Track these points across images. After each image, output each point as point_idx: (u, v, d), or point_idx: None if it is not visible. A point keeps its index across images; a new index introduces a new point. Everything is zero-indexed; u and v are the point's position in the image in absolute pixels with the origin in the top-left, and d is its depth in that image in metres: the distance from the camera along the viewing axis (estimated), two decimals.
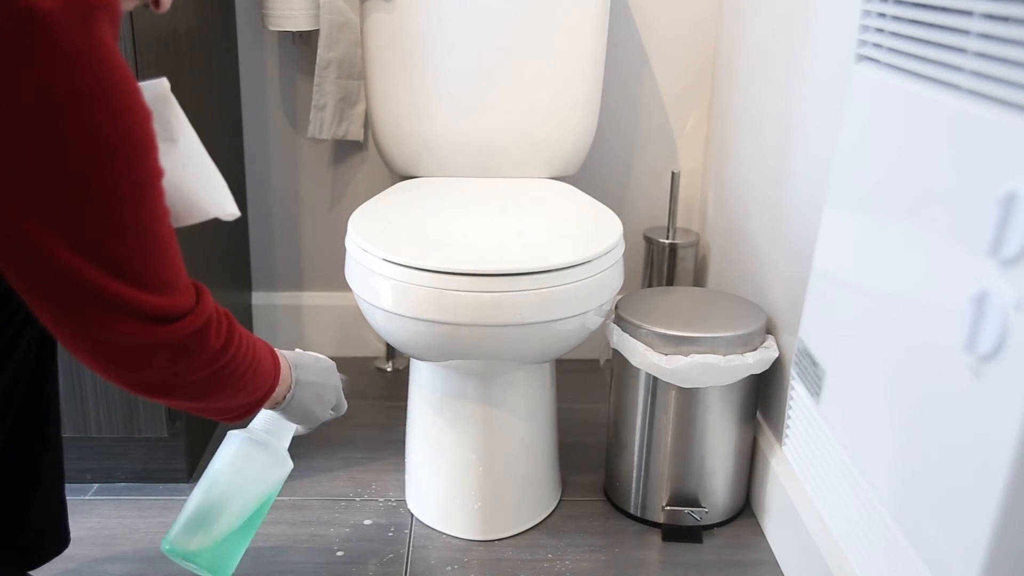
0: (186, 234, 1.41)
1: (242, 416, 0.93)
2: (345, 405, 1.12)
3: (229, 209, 0.92)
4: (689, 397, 1.29)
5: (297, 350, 1.06)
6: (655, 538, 1.35)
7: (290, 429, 1.10)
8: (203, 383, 0.82)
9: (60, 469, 1.06)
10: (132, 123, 0.69)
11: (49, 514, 1.06)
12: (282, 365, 0.98)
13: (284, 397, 0.99)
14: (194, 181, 0.88)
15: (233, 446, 1.07)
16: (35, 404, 1.00)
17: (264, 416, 1.08)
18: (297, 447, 1.55)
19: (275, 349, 0.98)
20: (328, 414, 1.09)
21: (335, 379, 1.09)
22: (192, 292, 0.80)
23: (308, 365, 1.04)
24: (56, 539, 1.08)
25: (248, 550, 1.28)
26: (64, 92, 0.64)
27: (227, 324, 0.83)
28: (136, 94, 0.70)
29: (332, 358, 1.89)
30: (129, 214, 0.71)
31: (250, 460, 1.07)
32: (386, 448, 1.55)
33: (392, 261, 1.14)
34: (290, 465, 1.11)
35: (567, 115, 1.56)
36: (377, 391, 1.77)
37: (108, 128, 0.67)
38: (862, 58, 0.99)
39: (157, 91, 0.85)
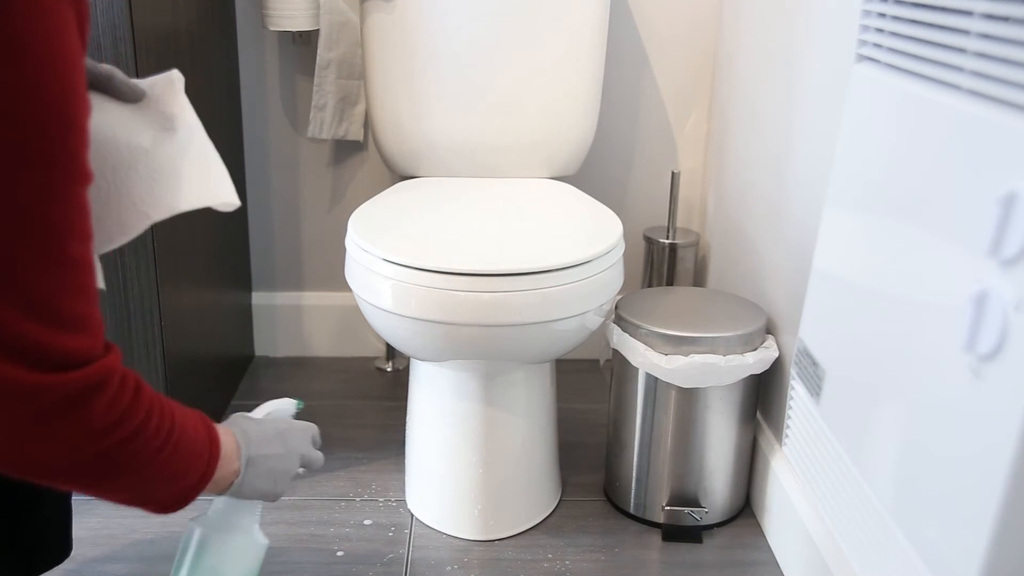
0: (187, 234, 1.42)
1: (168, 510, 0.75)
2: (320, 459, 0.96)
3: (227, 199, 0.87)
4: (689, 397, 1.29)
5: (259, 410, 0.94)
6: (655, 538, 1.35)
7: (255, 506, 0.95)
8: (87, 466, 0.64)
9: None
10: (54, 95, 0.57)
11: (55, 521, 1.05)
12: (225, 444, 0.80)
13: (232, 482, 0.82)
14: (190, 168, 0.85)
15: (190, 545, 0.93)
16: None
17: (218, 498, 0.92)
18: None
19: (217, 426, 0.81)
20: (291, 484, 0.93)
21: (297, 440, 0.92)
22: (99, 343, 0.63)
23: (260, 437, 0.87)
24: (60, 547, 1.07)
25: None
26: None
27: (130, 397, 0.66)
28: (71, 74, 0.59)
29: (332, 358, 1.90)
30: (28, 207, 0.57)
31: (213, 557, 0.93)
32: (386, 448, 1.55)
33: (392, 261, 1.14)
34: (264, 544, 0.97)
35: (567, 115, 1.56)
36: (377, 391, 1.77)
37: (21, 90, 0.55)
38: (862, 58, 0.99)
39: (163, 82, 0.85)
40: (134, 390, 0.67)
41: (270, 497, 0.90)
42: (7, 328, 0.57)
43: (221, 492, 0.83)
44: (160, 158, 0.83)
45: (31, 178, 0.57)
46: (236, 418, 0.89)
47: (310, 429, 0.96)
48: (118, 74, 0.82)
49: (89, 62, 0.76)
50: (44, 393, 0.59)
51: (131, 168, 0.80)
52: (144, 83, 0.85)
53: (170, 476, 0.72)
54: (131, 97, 0.83)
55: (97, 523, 1.33)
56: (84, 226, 0.62)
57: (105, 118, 0.80)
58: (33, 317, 0.58)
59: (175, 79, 0.86)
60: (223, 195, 0.88)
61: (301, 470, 0.93)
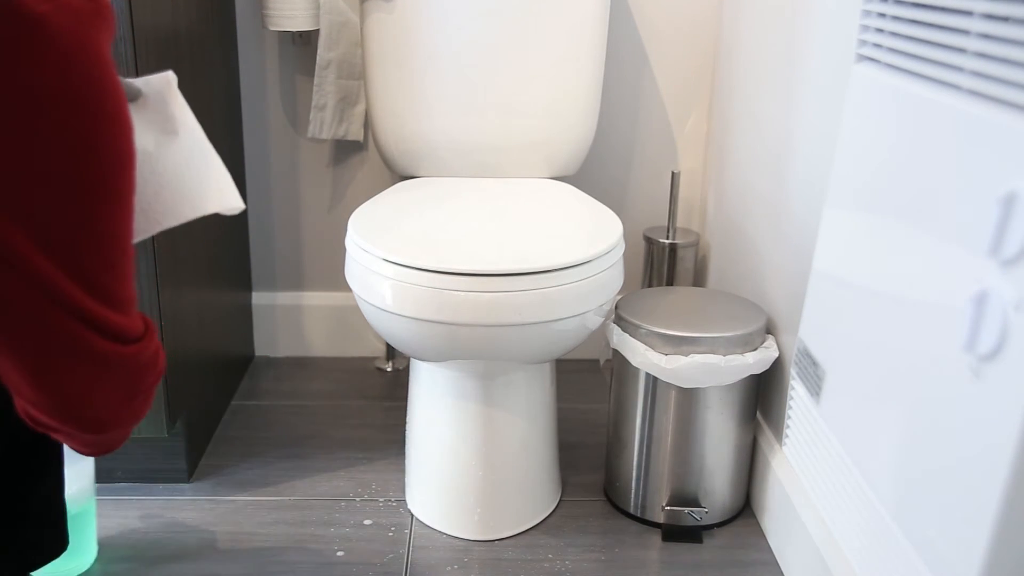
0: (187, 234, 1.41)
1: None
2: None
3: (232, 203, 0.90)
4: (689, 397, 1.29)
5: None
6: (655, 538, 1.35)
7: None
8: (142, 409, 0.80)
9: (63, 470, 1.06)
10: (117, 132, 0.68)
11: (50, 515, 1.05)
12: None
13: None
14: (196, 174, 0.87)
15: None
16: None
17: None
18: (297, 447, 1.56)
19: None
20: None
21: None
22: (140, 315, 0.77)
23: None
24: (55, 541, 1.08)
25: (248, 550, 1.28)
26: (53, 93, 0.63)
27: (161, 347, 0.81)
28: (123, 106, 0.69)
29: (332, 358, 1.90)
30: (105, 224, 0.69)
31: None
32: (386, 448, 1.55)
33: (392, 261, 1.14)
34: None
35: (567, 115, 1.56)
36: (377, 391, 1.77)
37: (94, 133, 0.66)
38: (862, 58, 0.99)
39: (160, 83, 0.85)
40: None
41: None
42: (100, 319, 0.70)
43: None
44: (164, 163, 0.84)
45: (113, 203, 0.69)
46: None
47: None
48: None
49: None
50: (136, 358, 0.75)
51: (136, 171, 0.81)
52: (138, 82, 0.85)
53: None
54: (127, 97, 0.84)
55: (97, 523, 1.33)
56: (132, 225, 0.73)
57: None
58: (105, 302, 0.70)
59: (171, 79, 0.86)
60: (229, 199, 0.89)
61: None
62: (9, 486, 0.99)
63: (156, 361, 0.79)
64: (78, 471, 1.20)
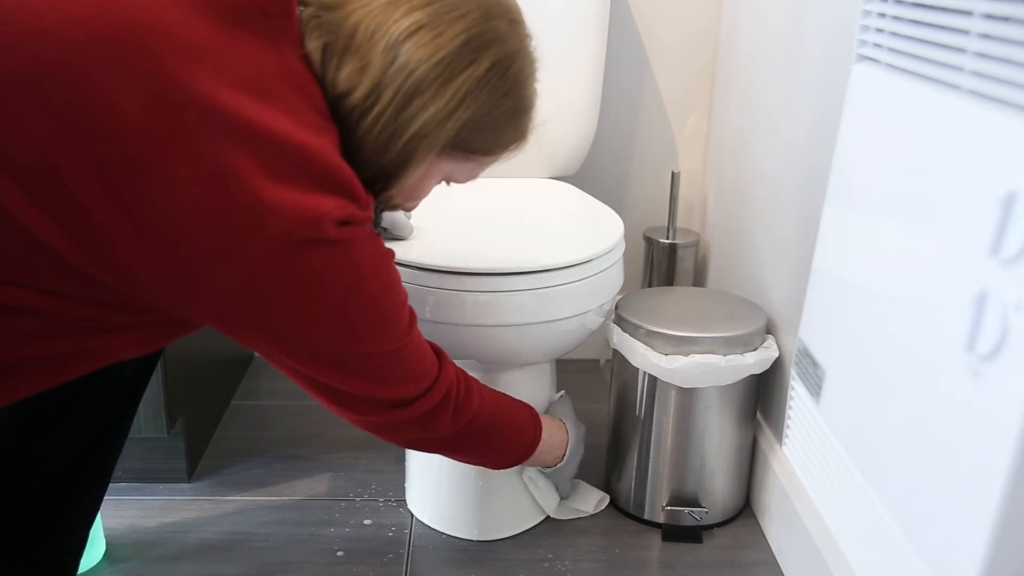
0: None
1: (501, 467, 1.14)
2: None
3: None
4: (689, 397, 1.29)
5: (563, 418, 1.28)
6: (655, 538, 1.35)
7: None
8: (449, 441, 1.01)
9: (98, 502, 1.07)
10: (372, 311, 0.84)
11: (69, 550, 1.06)
12: (551, 434, 1.19)
13: (552, 466, 1.26)
14: None
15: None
16: (112, 425, 1.06)
17: None
18: (297, 447, 1.56)
19: (553, 420, 1.24)
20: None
21: (580, 454, 1.31)
22: (429, 377, 0.94)
23: (577, 440, 1.29)
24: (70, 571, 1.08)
25: (248, 550, 1.28)
26: (331, 281, 0.79)
27: (464, 394, 0.98)
28: (390, 291, 0.86)
29: None
30: (374, 366, 0.88)
31: None
32: (386, 448, 1.55)
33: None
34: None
35: (567, 115, 1.56)
36: None
37: (356, 312, 0.83)
38: (862, 58, 0.99)
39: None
40: (466, 389, 0.99)
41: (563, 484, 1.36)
42: (369, 394, 0.90)
43: (545, 466, 1.26)
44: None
45: (376, 359, 0.88)
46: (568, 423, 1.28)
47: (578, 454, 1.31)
48: None
49: None
50: (404, 417, 0.94)
51: None
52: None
53: (504, 447, 1.10)
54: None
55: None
56: (410, 340, 0.91)
57: None
58: (382, 384, 0.90)
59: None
60: None
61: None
62: (49, 503, 1.01)
63: (440, 412, 0.96)
64: None
